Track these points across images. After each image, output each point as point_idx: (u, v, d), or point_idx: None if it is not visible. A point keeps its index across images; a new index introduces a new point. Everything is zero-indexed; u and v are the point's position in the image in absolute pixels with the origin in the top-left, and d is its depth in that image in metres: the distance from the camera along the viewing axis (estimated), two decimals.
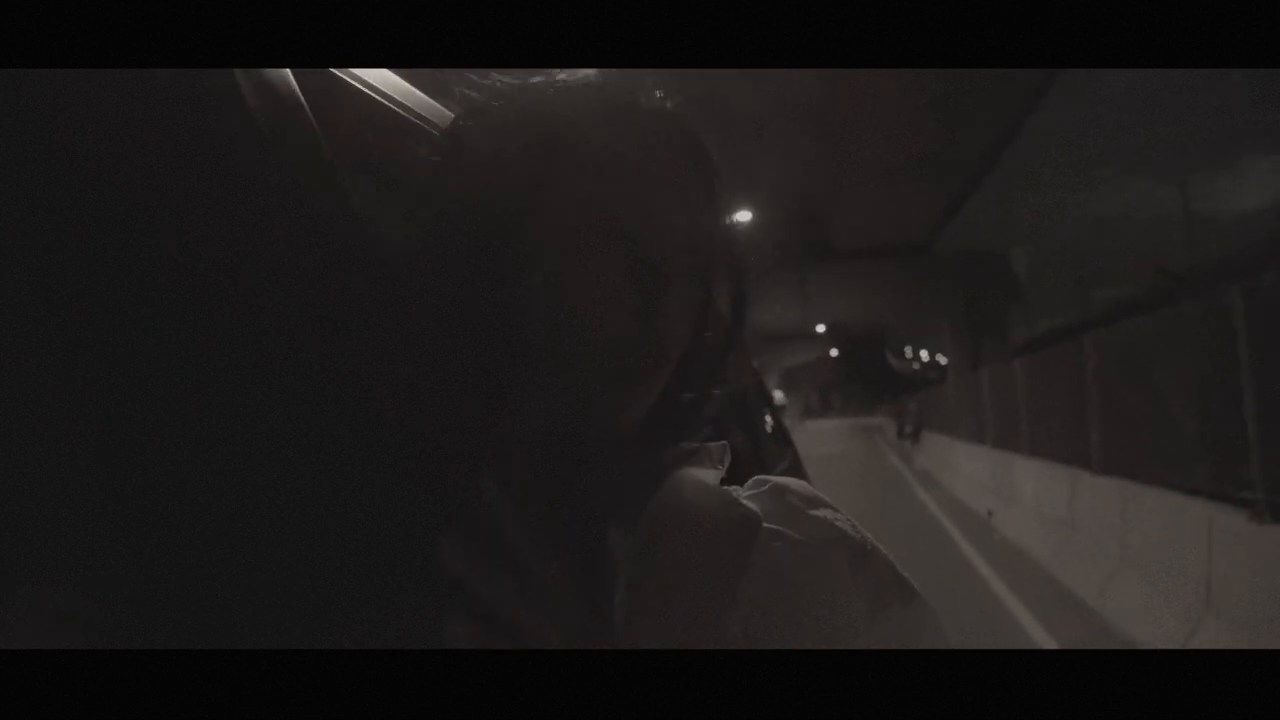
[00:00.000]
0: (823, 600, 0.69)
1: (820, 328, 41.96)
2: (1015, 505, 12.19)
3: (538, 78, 0.69)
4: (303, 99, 0.66)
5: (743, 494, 0.76)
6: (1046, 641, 7.44)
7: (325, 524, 0.58)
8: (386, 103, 0.84)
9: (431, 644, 0.58)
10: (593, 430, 0.67)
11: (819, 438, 42.00)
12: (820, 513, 0.75)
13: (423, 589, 0.59)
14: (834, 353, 54.23)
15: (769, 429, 3.34)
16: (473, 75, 0.69)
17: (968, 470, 17.14)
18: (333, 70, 0.76)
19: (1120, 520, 8.36)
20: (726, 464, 0.78)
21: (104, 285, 0.55)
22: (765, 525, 0.72)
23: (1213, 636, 6.17)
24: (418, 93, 0.93)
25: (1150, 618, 7.00)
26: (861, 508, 12.35)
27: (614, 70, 0.69)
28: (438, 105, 0.93)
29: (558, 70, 0.68)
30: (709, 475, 0.76)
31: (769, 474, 0.79)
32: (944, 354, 35.47)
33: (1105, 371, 9.85)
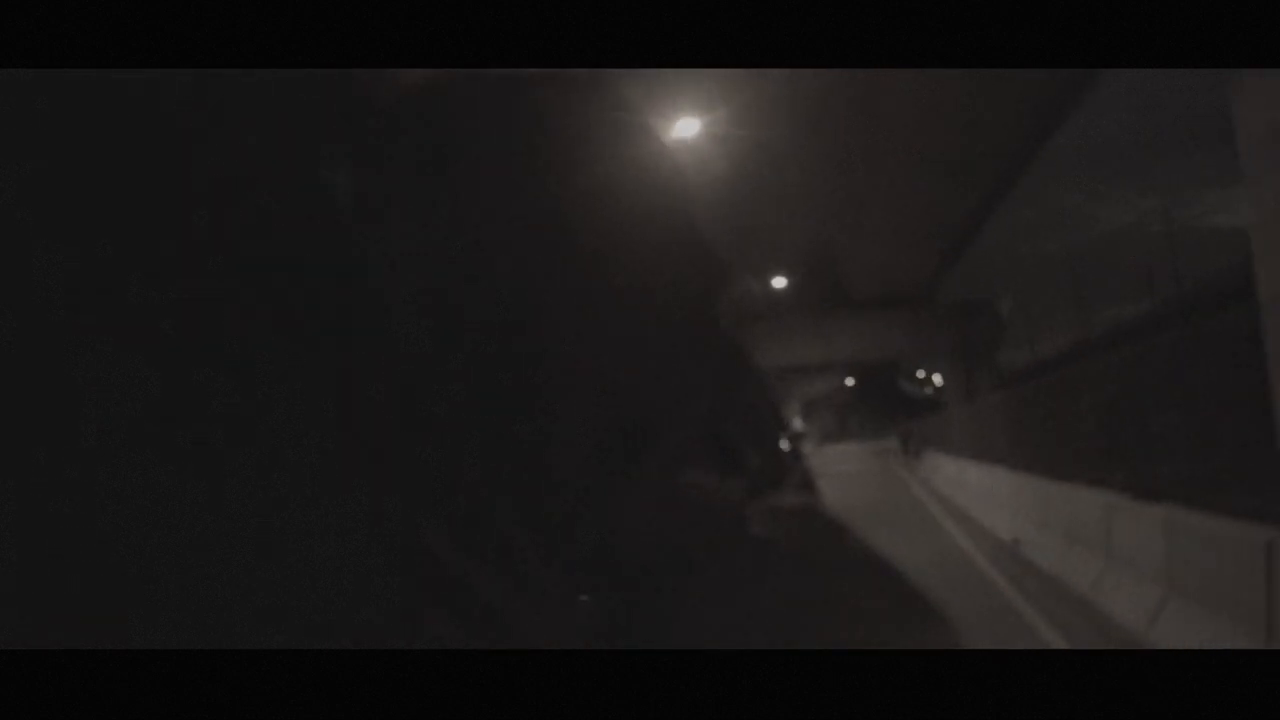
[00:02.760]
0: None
1: (837, 360, 43.38)
2: (964, 487, 18.70)
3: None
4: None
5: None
6: (963, 538, 13.52)
7: (330, 524, 0.52)
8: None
9: (422, 639, 0.52)
10: (626, 442, 0.61)
11: (839, 459, 43.68)
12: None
13: (419, 584, 0.53)
14: (849, 381, 55.32)
15: (785, 449, 3.36)
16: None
17: (947, 473, 23.17)
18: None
19: (1013, 489, 13.87)
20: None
21: (104, 285, 0.49)
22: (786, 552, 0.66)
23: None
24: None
25: (1008, 528, 12.50)
26: (874, 503, 18.24)
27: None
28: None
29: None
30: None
31: (781, 488, 0.78)
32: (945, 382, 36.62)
33: (1024, 407, 15.07)
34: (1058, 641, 7.25)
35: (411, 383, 0.55)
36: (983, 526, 14.38)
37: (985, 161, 17.57)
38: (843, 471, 32.60)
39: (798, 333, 31.81)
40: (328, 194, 0.56)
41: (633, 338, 0.59)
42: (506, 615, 0.54)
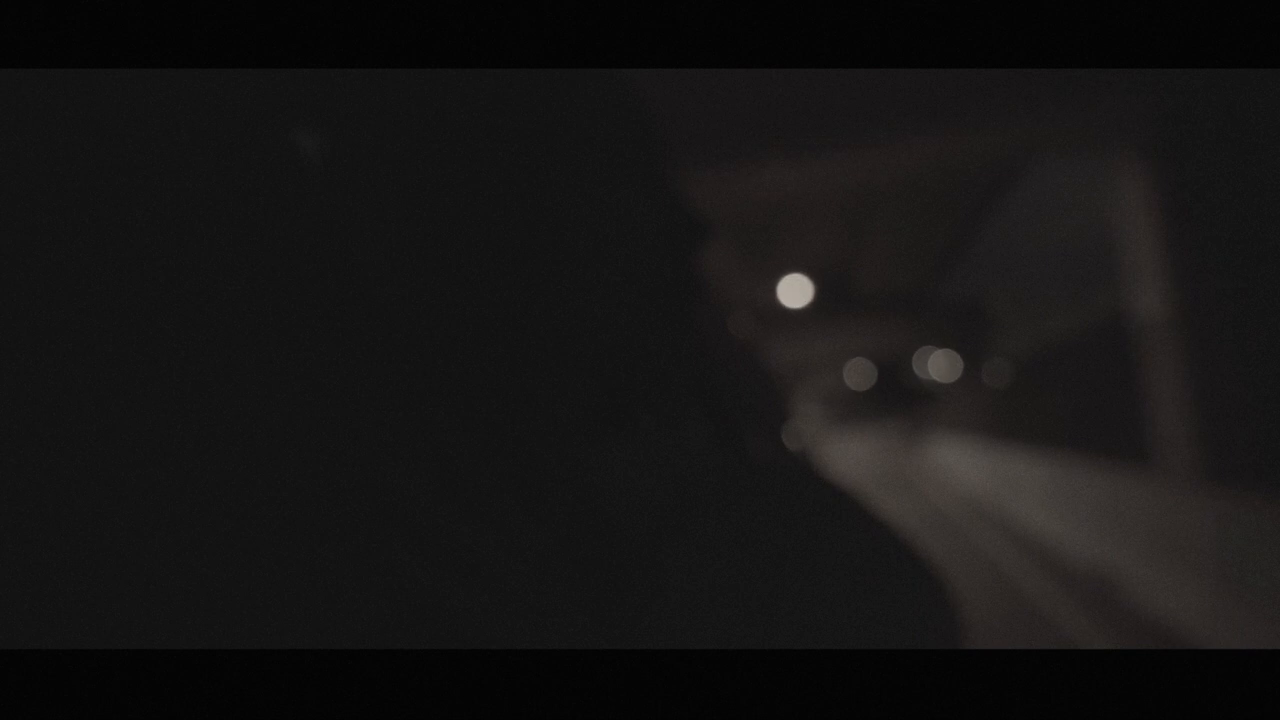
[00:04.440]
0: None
1: (844, 354, 44.48)
2: (953, 462, 21.95)
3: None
4: None
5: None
6: (943, 499, 16.18)
7: (330, 521, 0.50)
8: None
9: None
10: (617, 423, 0.59)
11: (844, 444, 45.48)
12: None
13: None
14: (855, 372, 56.03)
15: (791, 436, 3.09)
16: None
17: (953, 458, 27.04)
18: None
19: (988, 459, 15.88)
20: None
21: (104, 285, 0.47)
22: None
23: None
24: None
25: (978, 488, 15.39)
26: (875, 478, 21.41)
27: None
28: None
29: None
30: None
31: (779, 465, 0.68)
32: (943, 374, 38.06)
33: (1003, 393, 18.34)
34: (987, 548, 10.65)
35: (411, 382, 0.53)
36: (960, 487, 17.92)
37: (984, 161, 16.59)
38: (848, 455, 34.81)
39: (807, 329, 33.20)
40: (327, 193, 0.54)
41: (618, 304, 0.56)
42: (507, 605, 0.50)
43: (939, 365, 36.94)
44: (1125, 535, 8.13)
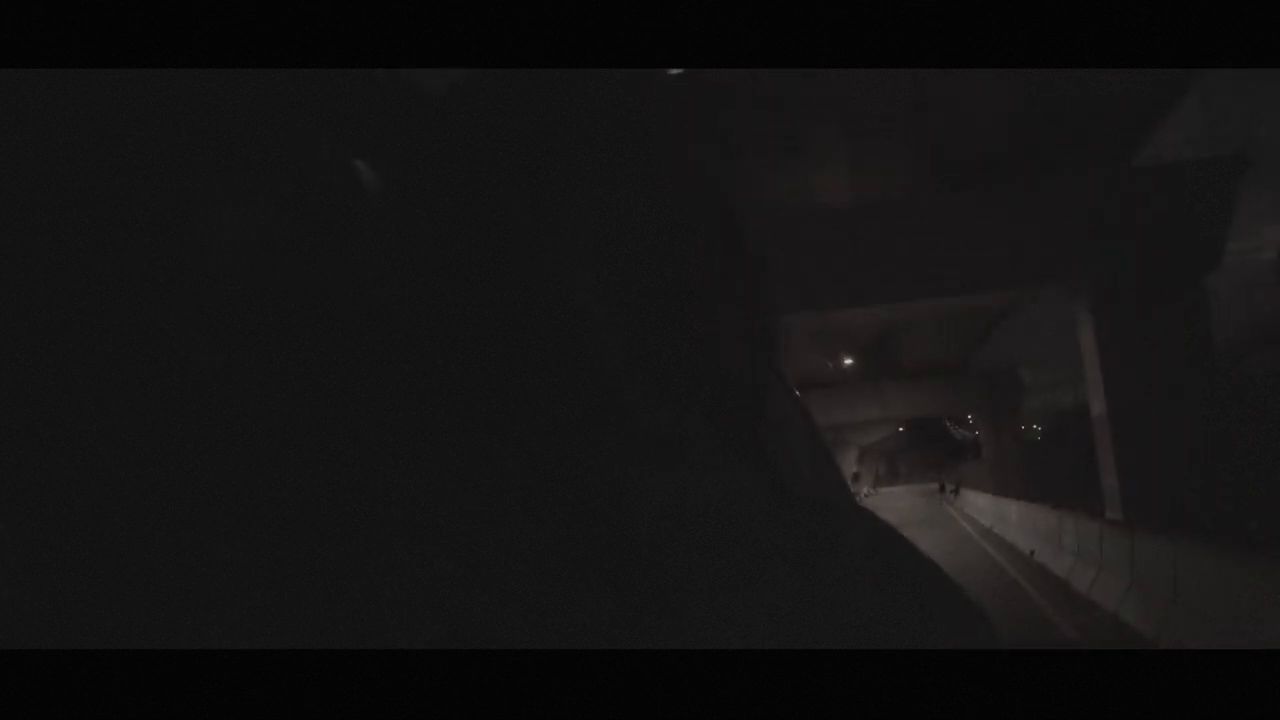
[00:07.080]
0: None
1: (890, 417, 44.58)
2: (988, 515, 22.88)
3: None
4: None
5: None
6: (989, 547, 16.85)
7: (331, 523, 0.44)
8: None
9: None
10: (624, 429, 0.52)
11: (890, 499, 45.21)
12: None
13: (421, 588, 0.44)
14: (900, 430, 55.79)
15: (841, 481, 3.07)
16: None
17: (977, 505, 27.57)
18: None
19: (1025, 515, 16.89)
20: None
21: (104, 285, 0.42)
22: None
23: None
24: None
25: (1024, 543, 15.81)
26: (920, 523, 21.50)
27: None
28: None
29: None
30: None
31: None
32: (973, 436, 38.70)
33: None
34: (1037, 596, 10.76)
35: (411, 382, 0.44)
36: (1002, 539, 18.28)
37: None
38: (894, 506, 34.79)
39: (858, 395, 33.82)
40: (328, 193, 0.45)
41: (618, 304, 0.42)
42: (507, 605, 0.42)
43: (971, 428, 37.50)
44: (1062, 546, 12.25)
